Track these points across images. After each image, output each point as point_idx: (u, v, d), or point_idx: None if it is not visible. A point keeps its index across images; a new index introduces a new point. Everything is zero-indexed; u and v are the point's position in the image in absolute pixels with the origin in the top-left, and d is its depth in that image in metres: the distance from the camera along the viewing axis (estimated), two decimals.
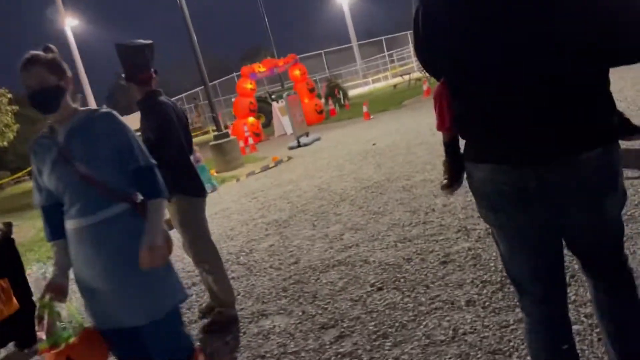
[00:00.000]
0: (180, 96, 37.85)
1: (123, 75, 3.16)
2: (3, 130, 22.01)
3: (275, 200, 6.92)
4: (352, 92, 31.74)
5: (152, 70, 3.22)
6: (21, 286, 3.70)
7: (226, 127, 17.88)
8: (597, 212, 1.52)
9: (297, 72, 17.20)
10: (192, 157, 3.41)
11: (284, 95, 12.70)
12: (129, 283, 2.01)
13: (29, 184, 21.76)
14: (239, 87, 16.19)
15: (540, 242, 1.59)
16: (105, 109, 2.09)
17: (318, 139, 12.37)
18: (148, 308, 2.05)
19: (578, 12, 1.31)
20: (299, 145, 11.93)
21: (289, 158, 10.63)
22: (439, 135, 1.88)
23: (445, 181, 1.85)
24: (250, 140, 14.00)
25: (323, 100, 19.72)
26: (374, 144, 9.50)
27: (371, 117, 14.31)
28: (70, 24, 37.50)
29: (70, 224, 2.04)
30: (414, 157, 7.26)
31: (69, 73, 2.06)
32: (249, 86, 15.98)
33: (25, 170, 24.25)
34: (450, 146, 1.81)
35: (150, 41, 3.23)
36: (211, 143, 11.24)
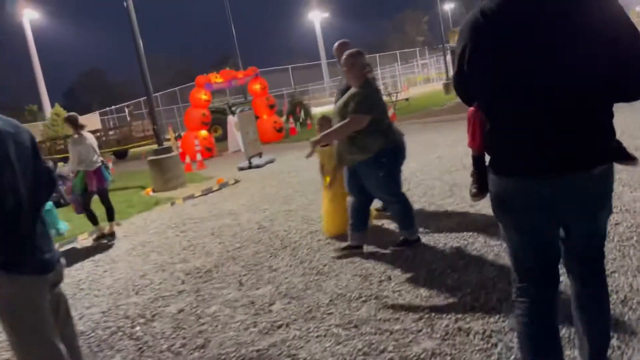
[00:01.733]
0: (136, 101, 36.19)
1: None
2: None
3: (206, 237, 5.82)
4: (318, 110, 30.86)
5: None
6: None
7: (179, 137, 16.64)
8: (594, 220, 1.90)
9: (257, 86, 16.15)
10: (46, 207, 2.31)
11: (237, 110, 11.61)
12: None
13: None
14: (192, 97, 14.93)
15: (546, 237, 1.92)
16: None
17: (272, 161, 11.33)
18: None
19: (599, 52, 1.64)
20: (250, 167, 10.86)
21: (236, 181, 9.53)
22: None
23: (474, 190, 2.14)
24: (199, 157, 12.80)
25: (284, 118, 18.76)
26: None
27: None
28: (29, 16, 35.36)
29: None
30: None
31: None
32: (203, 97, 14.76)
33: None
34: (479, 160, 2.12)
35: None
36: (149, 158, 10.03)
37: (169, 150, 9.95)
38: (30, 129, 2.39)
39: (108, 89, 65.98)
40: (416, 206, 5.18)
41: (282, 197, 7.33)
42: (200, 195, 8.69)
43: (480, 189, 2.09)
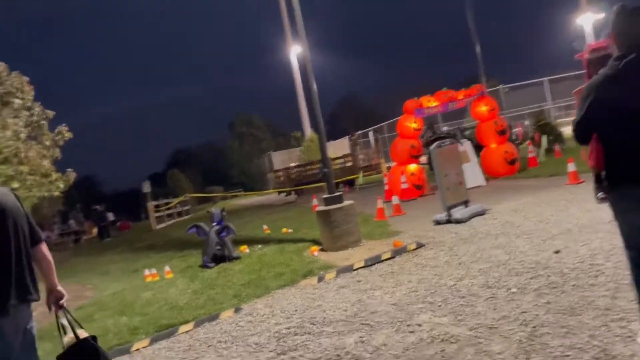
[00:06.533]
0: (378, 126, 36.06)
1: None
2: None
3: None
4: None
5: None
6: None
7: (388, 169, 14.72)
8: None
9: (482, 108, 13.01)
10: None
11: (431, 148, 8.91)
12: None
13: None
14: (400, 125, 12.77)
15: None
16: None
17: (481, 213, 8.29)
18: None
19: None
20: (449, 221, 8.08)
21: (418, 245, 6.91)
22: None
23: (601, 196, 2.92)
24: (395, 200, 10.50)
25: (526, 144, 14.99)
26: (556, 252, 5.29)
27: (580, 179, 9.49)
28: (295, 51, 38.59)
29: None
30: (617, 313, 3.11)
31: None
32: (413, 125, 12.44)
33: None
34: (599, 175, 2.88)
35: None
36: (318, 209, 8.23)
37: (339, 199, 7.98)
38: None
39: (363, 113, 68.89)
40: None
41: (467, 293, 4.53)
42: (361, 267, 6.40)
43: (604, 195, 2.89)
